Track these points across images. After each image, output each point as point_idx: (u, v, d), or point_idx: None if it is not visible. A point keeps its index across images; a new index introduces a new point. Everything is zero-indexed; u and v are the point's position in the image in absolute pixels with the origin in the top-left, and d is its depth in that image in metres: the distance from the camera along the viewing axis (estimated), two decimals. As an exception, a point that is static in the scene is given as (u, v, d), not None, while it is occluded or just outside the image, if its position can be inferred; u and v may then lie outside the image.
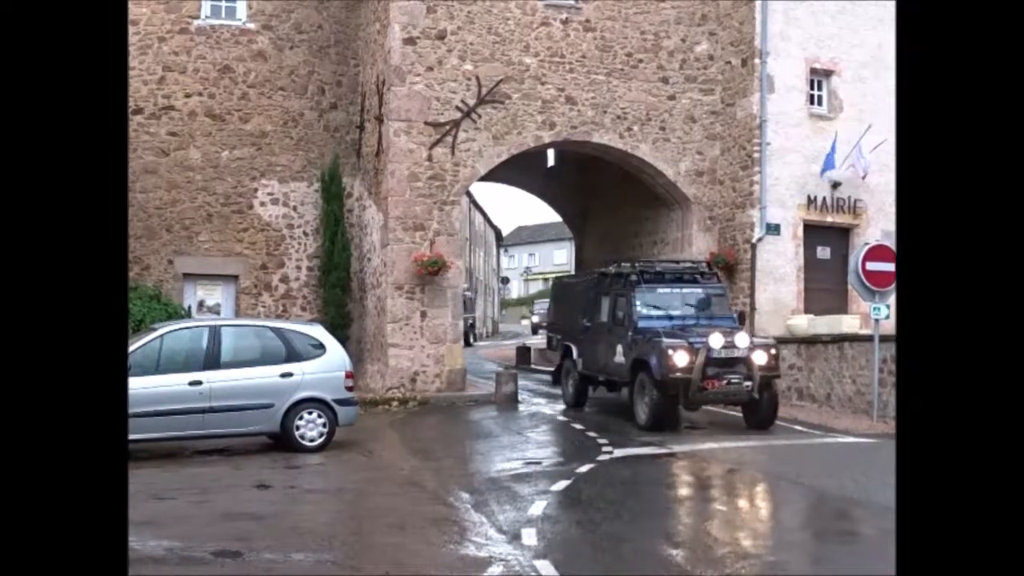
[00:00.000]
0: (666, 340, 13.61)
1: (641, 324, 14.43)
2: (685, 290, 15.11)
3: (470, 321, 42.74)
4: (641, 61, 19.69)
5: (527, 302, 65.11)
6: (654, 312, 14.60)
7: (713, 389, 13.48)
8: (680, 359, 13.34)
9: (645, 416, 13.75)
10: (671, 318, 14.56)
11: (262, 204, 20.37)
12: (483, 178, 19.86)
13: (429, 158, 18.51)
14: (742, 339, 13.65)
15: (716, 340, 13.45)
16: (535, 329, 52.17)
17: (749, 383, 13.55)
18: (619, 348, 14.77)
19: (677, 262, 16.65)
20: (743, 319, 15.38)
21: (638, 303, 14.68)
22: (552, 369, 18.05)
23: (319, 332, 12.97)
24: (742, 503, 9.20)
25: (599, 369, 15.74)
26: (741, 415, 14.45)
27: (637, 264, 15.76)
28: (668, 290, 14.97)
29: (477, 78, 18.67)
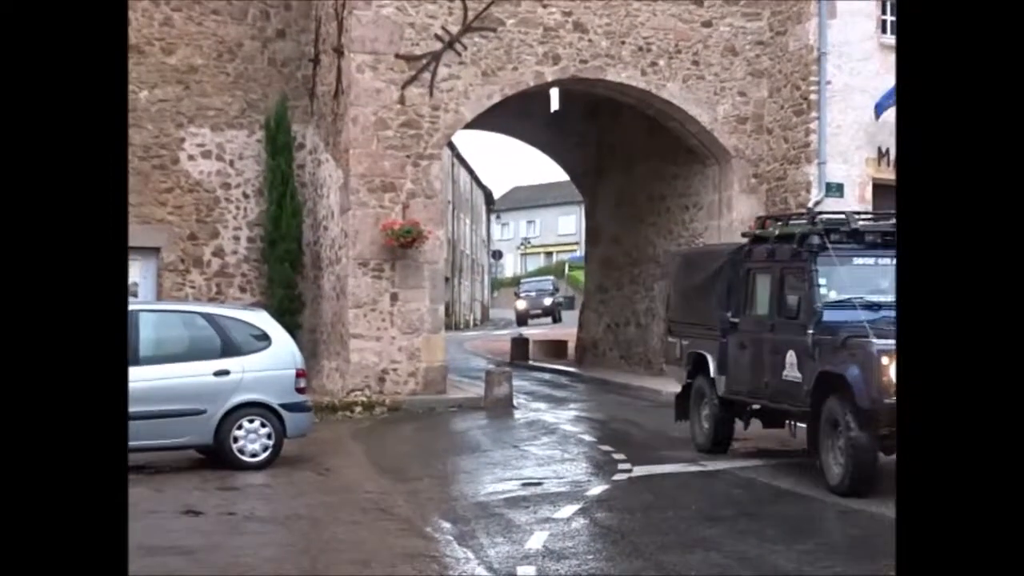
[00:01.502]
0: (878, 342, 10.29)
1: (829, 317, 11.22)
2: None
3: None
4: (669, -22, 19.62)
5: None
6: (850, 297, 11.33)
7: None
8: None
9: (840, 470, 10.62)
10: (878, 307, 11.22)
11: (191, 158, 20.30)
12: (469, 125, 19.80)
13: (401, 100, 18.45)
14: None
15: None
16: (522, 318, 50.98)
17: None
18: (790, 357, 11.59)
19: (879, 216, 13.26)
20: None
21: (823, 283, 11.47)
22: (676, 393, 14.55)
23: (263, 320, 12.97)
24: (783, 532, 9.23)
25: (755, 391, 12.44)
26: None
27: (818, 220, 12.31)
28: (871, 261, 11.76)
29: (462, -1, 18.61)
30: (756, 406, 12.72)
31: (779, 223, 13.02)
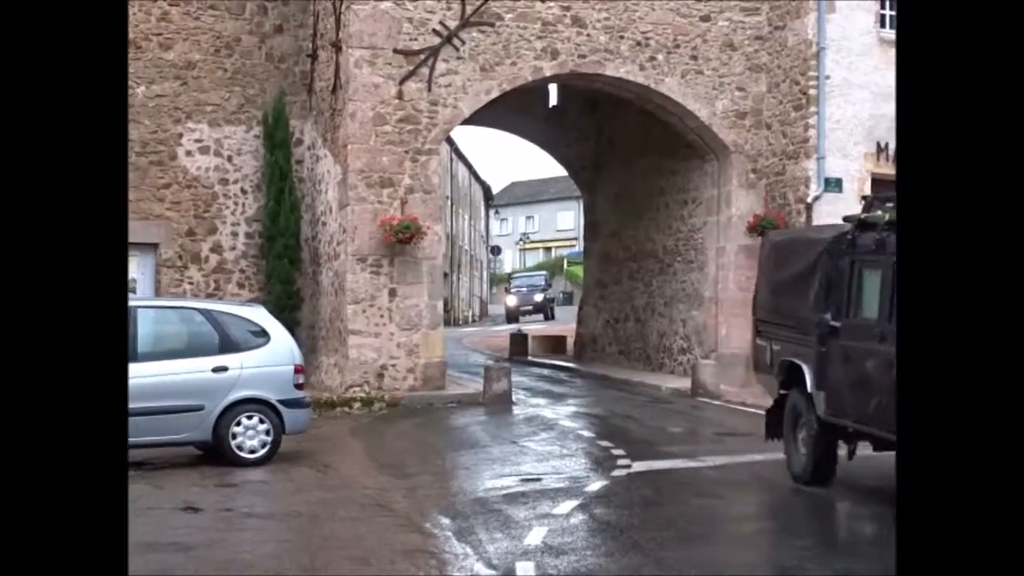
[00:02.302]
0: None
1: None
2: None
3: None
4: (667, -28, 19.62)
5: (520, 277, 63.82)
6: None
7: None
8: None
9: None
10: None
11: (188, 154, 20.29)
12: (467, 121, 19.79)
13: (399, 95, 18.44)
14: None
15: None
16: (512, 315, 49.45)
17: None
18: None
19: None
20: None
21: None
22: (768, 408, 12.13)
23: (261, 316, 12.98)
24: (785, 528, 9.25)
25: (862, 413, 10.06)
26: None
27: None
28: None
29: (460, -6, 18.59)
30: (861, 429, 10.33)
31: (889, 205, 10.38)
